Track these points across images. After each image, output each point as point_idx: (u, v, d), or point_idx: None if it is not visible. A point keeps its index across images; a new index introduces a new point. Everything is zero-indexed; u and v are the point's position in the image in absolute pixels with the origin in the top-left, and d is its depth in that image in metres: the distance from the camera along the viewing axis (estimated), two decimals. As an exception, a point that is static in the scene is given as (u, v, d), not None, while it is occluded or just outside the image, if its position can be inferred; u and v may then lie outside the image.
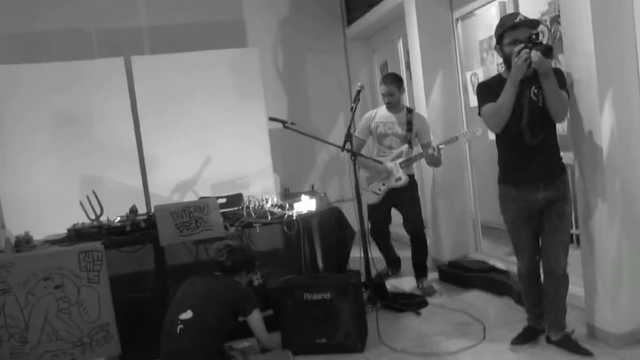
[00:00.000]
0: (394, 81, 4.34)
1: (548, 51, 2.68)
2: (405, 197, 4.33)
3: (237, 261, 3.13)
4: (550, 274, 3.01)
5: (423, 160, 4.68)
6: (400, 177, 4.24)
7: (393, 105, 4.33)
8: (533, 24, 2.86)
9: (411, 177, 4.35)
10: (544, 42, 2.79)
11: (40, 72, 4.76)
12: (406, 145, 4.28)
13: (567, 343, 3.01)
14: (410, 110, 4.38)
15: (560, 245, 2.97)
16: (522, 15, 2.86)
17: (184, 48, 5.29)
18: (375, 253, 4.08)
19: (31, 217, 4.46)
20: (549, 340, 3.09)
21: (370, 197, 4.37)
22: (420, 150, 4.30)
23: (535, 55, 2.67)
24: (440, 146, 4.06)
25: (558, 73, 2.88)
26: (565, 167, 3.02)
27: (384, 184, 4.31)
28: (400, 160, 4.25)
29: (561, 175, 2.97)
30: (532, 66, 2.71)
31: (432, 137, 4.40)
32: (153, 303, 3.67)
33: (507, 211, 3.10)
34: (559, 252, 2.97)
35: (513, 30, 2.81)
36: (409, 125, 4.29)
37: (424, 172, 5.09)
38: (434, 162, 4.18)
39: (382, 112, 4.43)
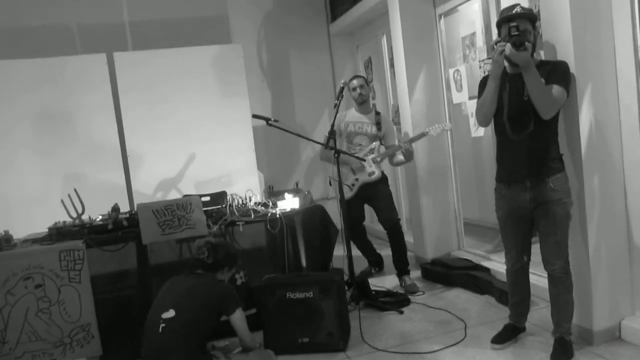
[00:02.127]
0: (362, 77, 4.62)
1: (519, 43, 2.63)
2: (378, 191, 4.45)
3: (219, 258, 3.12)
4: (548, 274, 2.97)
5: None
6: (373, 171, 4.37)
7: (364, 99, 4.50)
8: (530, 16, 2.77)
9: (383, 172, 4.50)
10: (529, 35, 2.74)
11: (21, 69, 4.70)
12: (377, 142, 4.46)
13: (556, 345, 2.94)
14: (378, 113, 4.57)
15: (552, 247, 2.88)
16: (520, 7, 2.78)
17: (167, 44, 5.26)
18: (358, 251, 4.09)
19: (11, 215, 4.42)
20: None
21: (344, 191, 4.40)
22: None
23: (507, 48, 2.66)
24: (410, 140, 4.32)
25: (557, 66, 2.83)
26: (563, 165, 2.90)
27: (357, 179, 4.40)
28: (374, 155, 4.39)
29: (553, 174, 2.83)
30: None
31: (396, 141, 4.56)
32: (135, 302, 3.64)
33: (498, 209, 3.09)
34: (552, 255, 2.90)
35: (507, 23, 2.75)
36: (379, 126, 4.49)
37: (407, 169, 5.11)
38: (407, 156, 4.30)
39: (352, 112, 4.61)
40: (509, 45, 2.66)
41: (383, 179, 4.48)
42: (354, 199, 4.44)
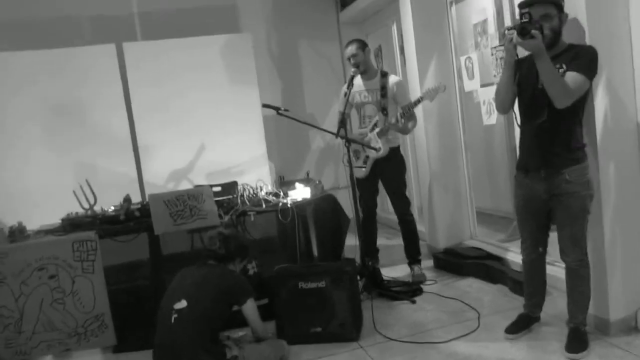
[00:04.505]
0: (355, 42, 4.24)
1: (524, 30, 2.57)
2: (389, 171, 4.28)
3: (231, 249, 3.11)
4: (565, 265, 2.93)
5: (417, 146, 4.66)
6: (379, 147, 4.17)
7: (361, 68, 4.20)
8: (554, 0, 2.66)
9: (394, 149, 4.26)
10: (550, 20, 2.64)
11: (31, 60, 4.71)
12: (380, 114, 4.21)
13: (571, 335, 2.92)
14: (384, 75, 4.26)
15: (567, 239, 2.84)
16: None
17: (176, 34, 5.24)
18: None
19: (24, 207, 4.43)
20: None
21: (357, 172, 4.29)
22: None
23: (514, 36, 2.61)
24: (401, 113, 4.04)
25: (581, 52, 2.69)
26: (583, 156, 2.80)
27: (367, 156, 4.27)
28: (377, 130, 4.20)
29: (571, 166, 2.75)
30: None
31: (411, 99, 4.27)
32: (148, 292, 3.67)
33: (515, 197, 3.06)
34: (567, 246, 2.85)
35: (523, 8, 2.67)
36: (383, 91, 4.20)
37: (418, 158, 5.09)
38: (400, 130, 4.15)
39: (357, 81, 4.30)
40: (515, 33, 2.62)
41: (394, 156, 4.26)
42: (367, 178, 4.30)
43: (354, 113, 4.51)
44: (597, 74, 2.76)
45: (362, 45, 4.24)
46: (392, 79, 4.27)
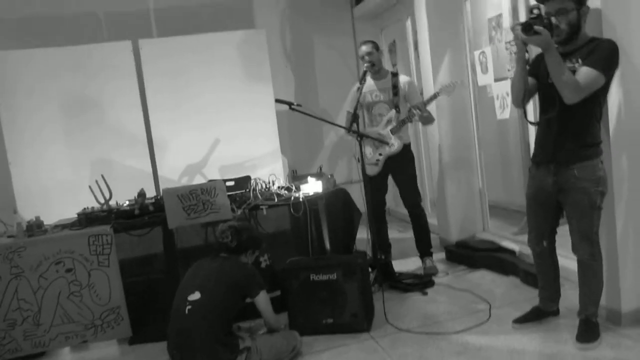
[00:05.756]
0: (370, 42, 4.30)
1: (528, 27, 2.54)
2: (401, 167, 4.30)
3: (242, 241, 3.14)
4: (577, 258, 2.92)
5: (430, 140, 4.65)
6: (393, 143, 4.21)
7: (375, 69, 4.26)
8: None
9: (406, 146, 4.31)
10: (567, 14, 2.63)
11: (48, 57, 4.78)
12: (393, 111, 4.25)
13: (582, 326, 2.91)
14: (395, 74, 4.33)
15: (576, 233, 2.83)
16: None
17: (191, 30, 5.29)
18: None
19: (42, 202, 4.54)
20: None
21: (369, 169, 4.28)
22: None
23: (519, 32, 2.60)
24: (417, 106, 4.07)
25: (599, 46, 2.64)
26: (595, 153, 2.75)
27: (380, 154, 4.29)
28: (391, 126, 4.23)
29: (580, 162, 2.73)
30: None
31: (422, 98, 4.33)
32: (163, 285, 3.72)
33: (527, 188, 3.06)
34: (576, 240, 2.84)
35: (542, 3, 2.68)
36: (395, 89, 4.26)
37: (431, 152, 5.08)
38: (424, 120, 4.20)
39: (368, 82, 4.32)
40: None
41: (407, 153, 4.30)
42: (378, 175, 4.32)
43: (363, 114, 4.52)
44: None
45: (376, 46, 4.31)
46: (403, 78, 4.34)
